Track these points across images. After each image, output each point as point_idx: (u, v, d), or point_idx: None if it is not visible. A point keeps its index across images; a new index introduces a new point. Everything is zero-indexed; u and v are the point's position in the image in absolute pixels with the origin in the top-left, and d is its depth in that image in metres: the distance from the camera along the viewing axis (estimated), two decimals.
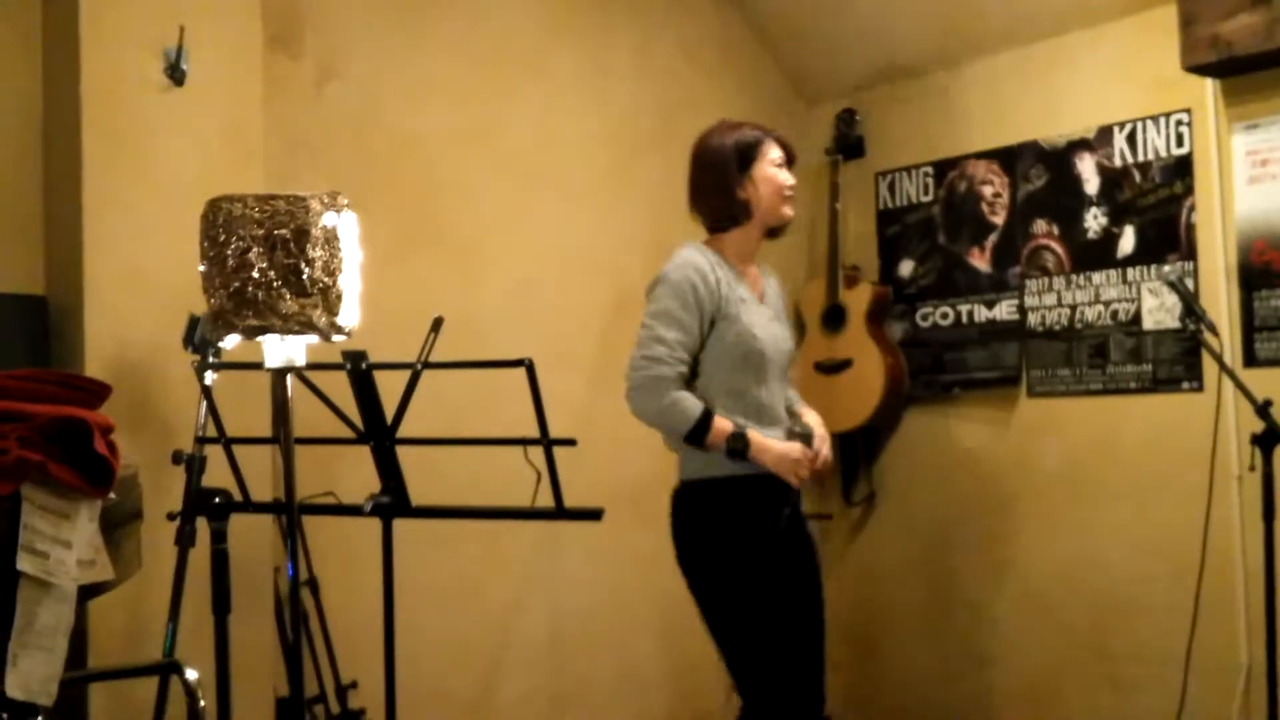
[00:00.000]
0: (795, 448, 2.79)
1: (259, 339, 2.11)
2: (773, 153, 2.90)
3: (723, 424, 2.73)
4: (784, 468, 2.76)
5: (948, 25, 4.11)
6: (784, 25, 4.48)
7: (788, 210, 2.91)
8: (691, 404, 2.72)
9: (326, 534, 3.31)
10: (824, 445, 2.85)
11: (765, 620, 2.77)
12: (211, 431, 2.62)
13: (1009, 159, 4.07)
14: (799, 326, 4.52)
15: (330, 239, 2.08)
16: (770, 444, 2.76)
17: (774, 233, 2.98)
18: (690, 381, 2.78)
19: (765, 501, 2.81)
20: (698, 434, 2.71)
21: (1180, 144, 3.65)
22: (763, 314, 2.89)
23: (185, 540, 2.72)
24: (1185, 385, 3.63)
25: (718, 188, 2.88)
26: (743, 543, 2.79)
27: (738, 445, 2.72)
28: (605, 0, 4.14)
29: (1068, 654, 3.88)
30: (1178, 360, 3.65)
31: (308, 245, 2.03)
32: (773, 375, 2.87)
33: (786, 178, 2.91)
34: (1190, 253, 3.61)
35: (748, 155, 2.87)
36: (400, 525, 2.64)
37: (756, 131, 2.92)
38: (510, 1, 3.90)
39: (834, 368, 4.31)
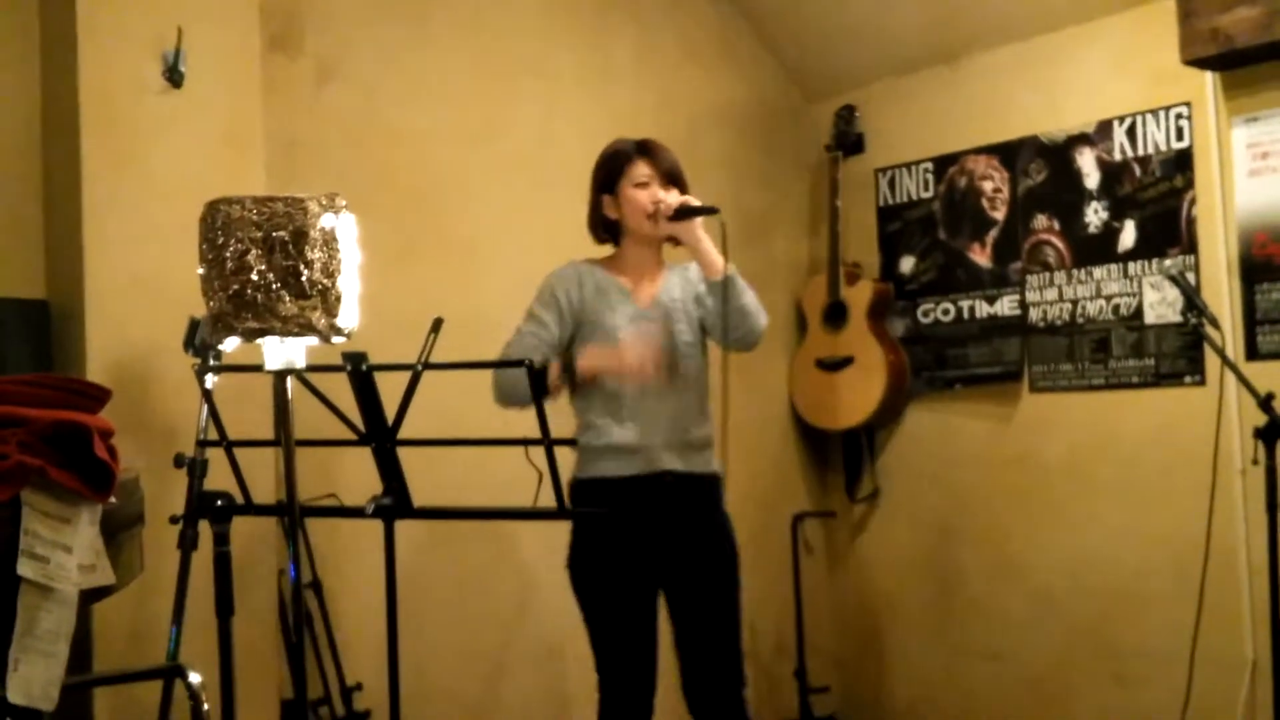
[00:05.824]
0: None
1: (259, 341, 2.11)
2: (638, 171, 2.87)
3: (554, 366, 2.79)
4: (607, 361, 2.77)
5: (946, 20, 4.11)
6: (783, 22, 4.48)
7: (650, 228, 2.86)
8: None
9: (329, 536, 3.31)
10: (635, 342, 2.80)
11: (600, 624, 2.86)
12: (213, 434, 2.62)
13: (1009, 154, 4.06)
14: (800, 324, 4.52)
15: (329, 240, 2.08)
16: (590, 349, 2.80)
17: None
18: None
19: (625, 502, 2.82)
20: (538, 386, 2.53)
21: (1180, 137, 3.64)
22: (626, 313, 2.87)
23: (188, 543, 2.72)
24: (1187, 379, 3.63)
25: (590, 206, 2.96)
26: (590, 546, 2.86)
27: (567, 372, 2.77)
28: None
29: (1073, 649, 3.88)
30: (1179, 354, 3.65)
31: (306, 247, 2.03)
32: None
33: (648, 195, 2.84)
34: (1191, 246, 3.61)
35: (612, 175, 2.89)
36: (402, 526, 2.64)
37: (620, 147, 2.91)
38: (510, 1, 3.90)
39: (836, 365, 4.31)
